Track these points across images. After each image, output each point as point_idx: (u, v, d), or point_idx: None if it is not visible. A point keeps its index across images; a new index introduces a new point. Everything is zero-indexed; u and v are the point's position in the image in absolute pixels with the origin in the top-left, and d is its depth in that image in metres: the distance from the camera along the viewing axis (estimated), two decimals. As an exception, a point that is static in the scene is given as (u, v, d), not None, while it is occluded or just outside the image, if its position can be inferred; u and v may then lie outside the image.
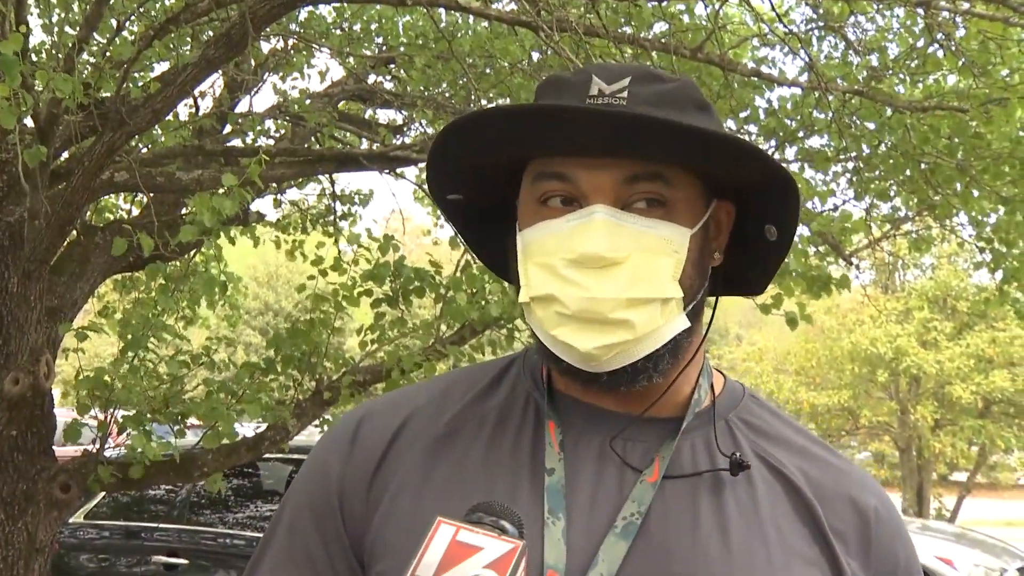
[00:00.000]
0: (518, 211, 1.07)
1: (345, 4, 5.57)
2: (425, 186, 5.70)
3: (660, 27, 5.16)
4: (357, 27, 6.15)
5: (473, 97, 5.10)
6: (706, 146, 0.99)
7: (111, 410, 4.25)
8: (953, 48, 4.61)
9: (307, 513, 1.08)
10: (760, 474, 1.05)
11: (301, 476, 1.13)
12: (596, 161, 1.00)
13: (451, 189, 1.13)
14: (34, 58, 4.57)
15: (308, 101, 5.72)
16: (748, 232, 1.10)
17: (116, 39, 4.12)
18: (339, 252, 5.64)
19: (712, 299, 1.11)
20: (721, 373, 1.17)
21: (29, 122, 4.02)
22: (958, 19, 4.69)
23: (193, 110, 5.78)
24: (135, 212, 5.80)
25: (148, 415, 4.30)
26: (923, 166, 5.02)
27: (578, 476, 1.02)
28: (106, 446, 4.26)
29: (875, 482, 1.12)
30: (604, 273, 0.97)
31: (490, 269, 1.24)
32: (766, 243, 1.09)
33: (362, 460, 1.07)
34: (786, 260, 4.79)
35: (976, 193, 5.11)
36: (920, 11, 4.64)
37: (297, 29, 5.84)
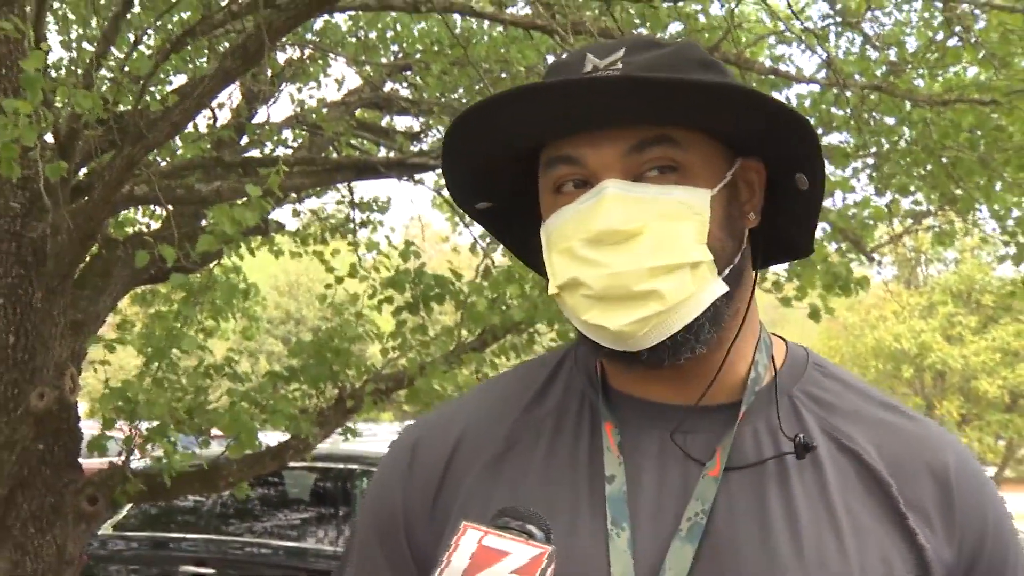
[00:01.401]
0: (540, 206, 1.04)
1: (360, 12, 5.59)
2: (444, 192, 5.69)
3: (676, 27, 5.15)
4: (372, 35, 6.17)
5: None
6: (701, 98, 0.94)
7: (135, 423, 4.28)
8: (973, 41, 4.57)
9: (375, 541, 1.07)
10: (829, 453, 0.98)
11: (366, 504, 1.12)
12: (599, 135, 0.97)
13: (478, 197, 1.10)
14: (53, 74, 4.60)
15: (325, 110, 5.74)
16: (781, 189, 1.04)
17: (134, 53, 4.15)
18: (359, 259, 5.64)
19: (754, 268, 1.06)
20: (783, 340, 1.10)
21: (49, 138, 4.05)
22: (977, 12, 4.64)
23: (211, 122, 5.81)
24: (154, 225, 5.83)
25: (172, 427, 4.33)
26: (944, 160, 4.97)
27: (641, 478, 0.98)
28: (132, 458, 4.28)
29: (952, 437, 1.04)
30: (623, 247, 0.94)
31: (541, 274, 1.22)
32: (803, 196, 1.03)
33: (422, 486, 1.05)
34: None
35: (999, 186, 5.06)
36: (938, 4, 4.60)
37: (313, 38, 5.86)
